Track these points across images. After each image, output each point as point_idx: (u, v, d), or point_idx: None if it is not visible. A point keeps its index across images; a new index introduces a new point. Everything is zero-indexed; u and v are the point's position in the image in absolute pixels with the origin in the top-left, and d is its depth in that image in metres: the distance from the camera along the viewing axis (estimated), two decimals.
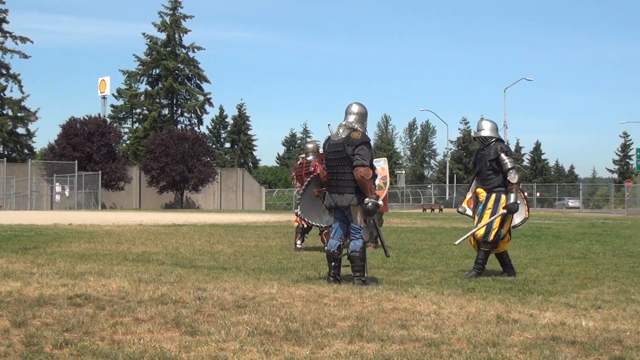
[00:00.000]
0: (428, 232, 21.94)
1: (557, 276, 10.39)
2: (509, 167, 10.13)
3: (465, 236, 10.55)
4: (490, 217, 10.14)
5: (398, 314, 6.68)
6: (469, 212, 10.75)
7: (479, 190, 10.41)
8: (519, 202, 10.25)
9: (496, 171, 10.22)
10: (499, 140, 10.48)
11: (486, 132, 10.49)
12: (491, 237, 10.16)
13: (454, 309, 7.05)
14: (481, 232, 10.17)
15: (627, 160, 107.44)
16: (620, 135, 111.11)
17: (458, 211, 11.16)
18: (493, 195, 10.23)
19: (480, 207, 10.34)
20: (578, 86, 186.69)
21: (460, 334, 5.80)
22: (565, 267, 11.61)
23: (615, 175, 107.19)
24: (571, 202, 70.09)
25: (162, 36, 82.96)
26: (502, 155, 10.18)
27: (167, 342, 5.33)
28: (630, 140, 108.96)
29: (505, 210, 10.07)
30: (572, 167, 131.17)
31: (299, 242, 14.70)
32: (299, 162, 15.12)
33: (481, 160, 10.42)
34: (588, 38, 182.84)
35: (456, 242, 11.09)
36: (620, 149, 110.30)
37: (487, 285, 9.20)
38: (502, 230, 10.22)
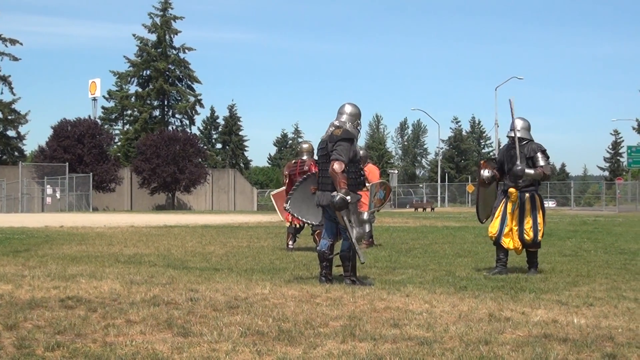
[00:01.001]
0: (420, 231, 21.96)
1: (549, 274, 10.42)
2: (542, 163, 10.31)
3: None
4: (531, 216, 10.39)
5: (390, 313, 6.69)
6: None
7: (511, 190, 10.41)
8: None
9: (530, 169, 10.33)
10: (532, 140, 10.59)
11: (520, 132, 10.55)
12: (539, 238, 10.49)
13: (446, 307, 7.06)
14: (531, 236, 10.35)
15: (618, 158, 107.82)
16: (611, 133, 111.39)
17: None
18: (527, 195, 10.42)
19: (515, 207, 10.40)
20: (569, 84, 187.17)
21: (452, 332, 5.81)
22: (557, 265, 11.63)
23: (607, 173, 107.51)
24: None
25: (153, 37, 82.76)
26: (540, 154, 10.37)
27: (160, 344, 5.32)
28: (621, 138, 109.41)
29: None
30: (563, 165, 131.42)
31: (290, 242, 14.68)
32: (293, 162, 15.10)
33: (513, 158, 10.43)
34: (579, 36, 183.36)
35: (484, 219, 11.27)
36: (611, 147, 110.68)
37: (479, 283, 9.22)
38: (544, 229, 10.65)
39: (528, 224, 10.36)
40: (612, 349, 5.32)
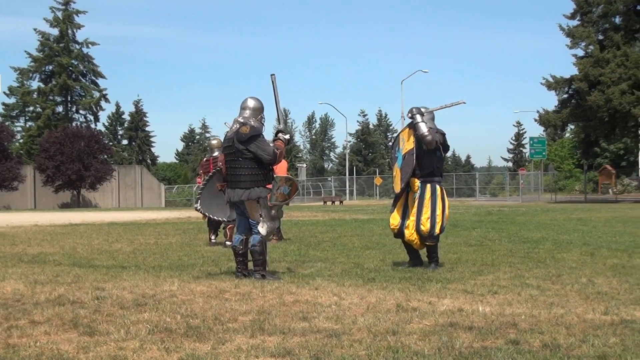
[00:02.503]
0: (329, 225, 22.08)
1: (454, 264, 10.59)
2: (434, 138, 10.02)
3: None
4: (430, 206, 9.99)
5: (299, 307, 6.72)
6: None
7: (413, 179, 10.09)
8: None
9: (427, 154, 10.06)
10: (438, 130, 10.30)
11: (417, 119, 10.23)
12: (437, 231, 10.05)
13: (354, 299, 7.13)
14: (427, 227, 9.98)
15: (521, 148, 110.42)
16: (514, 125, 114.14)
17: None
18: (428, 186, 10.05)
19: (416, 197, 10.08)
20: (472, 76, 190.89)
21: (360, 323, 5.87)
22: (463, 255, 11.83)
23: (510, 164, 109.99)
24: None
25: (55, 32, 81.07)
26: (420, 124, 10.08)
27: (65, 344, 5.23)
28: (524, 129, 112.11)
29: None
30: (468, 157, 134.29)
31: (213, 237, 14.67)
32: (205, 159, 15.07)
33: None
34: (481, 28, 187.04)
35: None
36: (514, 138, 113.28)
37: (387, 275, 9.31)
38: (444, 223, 10.22)
39: (425, 214, 10.01)
40: (516, 335, 5.45)
